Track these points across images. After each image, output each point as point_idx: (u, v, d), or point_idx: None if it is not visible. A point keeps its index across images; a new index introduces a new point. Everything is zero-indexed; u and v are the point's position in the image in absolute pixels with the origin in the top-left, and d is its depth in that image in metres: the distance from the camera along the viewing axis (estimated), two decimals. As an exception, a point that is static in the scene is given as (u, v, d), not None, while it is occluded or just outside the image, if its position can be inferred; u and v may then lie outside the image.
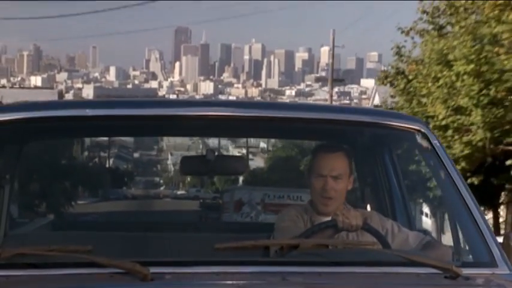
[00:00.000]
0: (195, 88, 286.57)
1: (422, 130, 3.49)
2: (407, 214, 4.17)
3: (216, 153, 3.82)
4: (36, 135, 4.29)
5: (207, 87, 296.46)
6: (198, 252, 3.22)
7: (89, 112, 3.36)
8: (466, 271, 2.95)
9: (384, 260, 3.09)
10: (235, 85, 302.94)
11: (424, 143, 3.48)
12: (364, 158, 4.36)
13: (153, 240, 3.90)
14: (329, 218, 3.55)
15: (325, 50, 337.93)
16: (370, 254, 3.11)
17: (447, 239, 3.57)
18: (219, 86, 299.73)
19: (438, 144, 3.47)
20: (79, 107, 3.48)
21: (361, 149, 4.29)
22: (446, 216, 3.56)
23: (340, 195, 3.73)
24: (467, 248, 3.33)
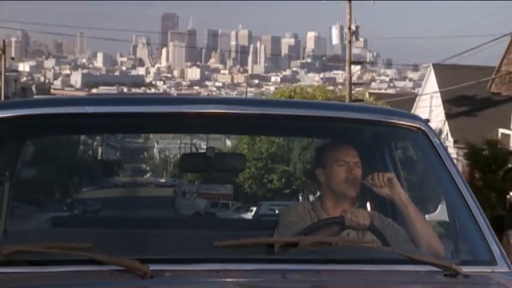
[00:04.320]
0: (182, 74, 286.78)
1: (423, 128, 3.48)
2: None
3: (216, 151, 3.83)
4: (36, 132, 4.28)
5: (193, 73, 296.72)
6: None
7: (89, 109, 3.35)
8: (465, 269, 2.95)
9: (383, 258, 3.10)
10: (222, 71, 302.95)
11: (425, 141, 3.47)
12: (364, 156, 4.27)
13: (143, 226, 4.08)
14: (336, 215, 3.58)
15: (311, 36, 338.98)
16: (370, 252, 3.13)
17: (447, 237, 3.60)
18: (206, 72, 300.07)
19: (438, 142, 3.46)
20: (79, 104, 3.44)
21: (361, 146, 4.24)
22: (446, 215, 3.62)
23: (359, 183, 3.76)
24: (466, 246, 3.35)
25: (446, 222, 3.62)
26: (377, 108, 3.83)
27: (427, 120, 3.61)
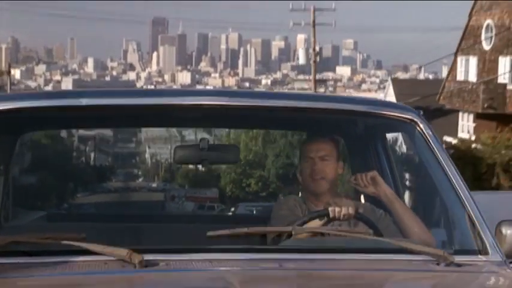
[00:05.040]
0: (173, 78, 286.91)
1: (415, 119, 3.48)
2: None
3: (210, 143, 3.79)
4: (31, 125, 4.26)
5: (184, 77, 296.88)
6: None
7: (84, 102, 3.32)
8: (458, 258, 2.96)
9: (376, 247, 3.10)
10: (213, 75, 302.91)
11: (417, 133, 3.46)
12: (357, 148, 4.34)
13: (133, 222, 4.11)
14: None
15: (301, 38, 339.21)
16: (363, 241, 3.11)
17: (440, 227, 3.63)
18: (197, 76, 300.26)
19: (431, 133, 3.45)
20: (74, 97, 3.42)
21: (354, 138, 4.28)
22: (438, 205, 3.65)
23: (330, 176, 3.76)
24: (459, 235, 3.35)
25: (439, 212, 3.63)
26: (370, 100, 3.79)
27: (420, 112, 3.59)
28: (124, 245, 2.83)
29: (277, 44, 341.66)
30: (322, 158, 3.78)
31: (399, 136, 4.19)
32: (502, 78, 34.54)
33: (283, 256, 2.95)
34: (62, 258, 2.83)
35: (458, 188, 3.30)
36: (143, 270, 2.72)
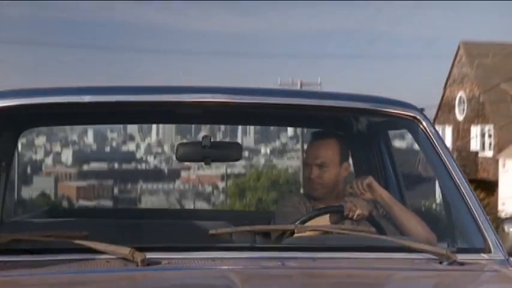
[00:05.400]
0: (172, 149, 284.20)
1: (418, 117, 3.43)
2: (402, 200, 4.08)
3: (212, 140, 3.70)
4: (33, 121, 4.23)
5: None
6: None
7: (86, 98, 3.28)
8: (460, 256, 2.92)
9: (378, 245, 3.06)
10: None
11: (420, 130, 3.42)
12: (359, 145, 4.29)
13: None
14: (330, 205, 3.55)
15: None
16: (365, 239, 3.08)
17: (442, 225, 3.60)
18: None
19: (434, 130, 3.41)
20: (76, 93, 3.35)
21: (355, 135, 4.22)
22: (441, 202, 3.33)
23: (327, 183, 3.73)
24: (462, 234, 3.33)
25: (441, 210, 3.61)
26: (372, 97, 3.64)
27: (422, 109, 3.54)
28: (126, 242, 2.81)
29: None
30: (319, 165, 3.76)
31: (402, 133, 4.09)
32: (474, 146, 36.86)
33: (285, 254, 2.93)
34: (64, 257, 2.80)
35: (460, 185, 3.26)
36: (146, 268, 2.69)
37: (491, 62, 36.77)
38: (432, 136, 3.39)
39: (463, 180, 3.28)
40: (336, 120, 4.20)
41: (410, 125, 3.47)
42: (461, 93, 39.03)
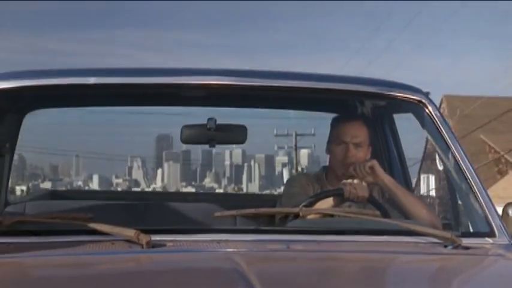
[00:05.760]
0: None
1: (423, 100, 3.42)
2: (407, 185, 4.12)
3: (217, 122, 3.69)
4: (37, 103, 4.21)
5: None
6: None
7: (91, 80, 3.27)
8: (465, 241, 2.92)
9: (383, 229, 3.05)
10: (217, 190, 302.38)
11: (425, 114, 3.41)
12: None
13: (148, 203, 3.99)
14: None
15: (304, 153, 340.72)
16: (370, 223, 3.08)
17: (447, 209, 3.54)
18: (201, 191, 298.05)
19: (439, 114, 3.40)
20: (81, 75, 3.35)
21: (362, 119, 4.18)
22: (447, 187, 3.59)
23: (360, 163, 3.71)
24: (466, 218, 3.34)
25: (446, 194, 3.63)
26: (378, 80, 3.63)
27: (428, 93, 3.51)
28: (131, 224, 2.79)
29: (280, 159, 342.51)
30: (356, 144, 3.76)
31: (407, 117, 4.03)
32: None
33: (290, 237, 2.93)
34: (68, 238, 2.79)
35: (466, 170, 3.26)
36: (151, 250, 2.67)
37: (471, 114, 36.48)
38: (438, 120, 3.38)
39: (468, 164, 3.27)
40: (342, 102, 4.21)
41: (416, 108, 3.46)
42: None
